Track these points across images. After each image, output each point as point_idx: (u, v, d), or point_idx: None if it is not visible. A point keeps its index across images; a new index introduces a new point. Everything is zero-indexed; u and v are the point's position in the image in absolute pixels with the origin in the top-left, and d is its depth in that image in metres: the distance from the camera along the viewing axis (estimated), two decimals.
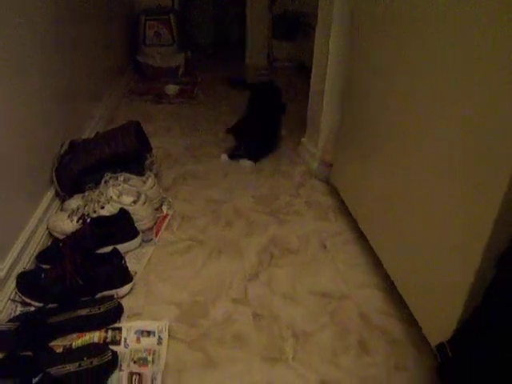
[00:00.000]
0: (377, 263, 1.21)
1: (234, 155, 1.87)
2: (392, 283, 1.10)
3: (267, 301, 1.13)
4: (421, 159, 0.95)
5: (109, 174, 1.40)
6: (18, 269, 1.12)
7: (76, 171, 1.41)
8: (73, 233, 1.22)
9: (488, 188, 0.73)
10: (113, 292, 1.10)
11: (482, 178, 0.75)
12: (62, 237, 1.26)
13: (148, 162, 1.63)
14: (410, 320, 1.03)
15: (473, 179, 0.77)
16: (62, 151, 1.48)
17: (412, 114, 0.99)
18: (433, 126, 0.90)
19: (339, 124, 1.50)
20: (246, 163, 1.82)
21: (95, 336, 0.99)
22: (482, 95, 0.75)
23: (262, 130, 1.87)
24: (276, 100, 2.01)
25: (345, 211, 1.46)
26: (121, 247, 1.19)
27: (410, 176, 1.00)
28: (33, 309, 1.05)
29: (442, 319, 0.87)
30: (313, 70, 1.73)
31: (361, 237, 1.33)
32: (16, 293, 1.07)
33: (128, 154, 1.49)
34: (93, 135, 1.67)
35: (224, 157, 1.87)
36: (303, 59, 2.99)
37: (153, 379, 0.89)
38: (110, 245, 1.18)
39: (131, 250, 1.28)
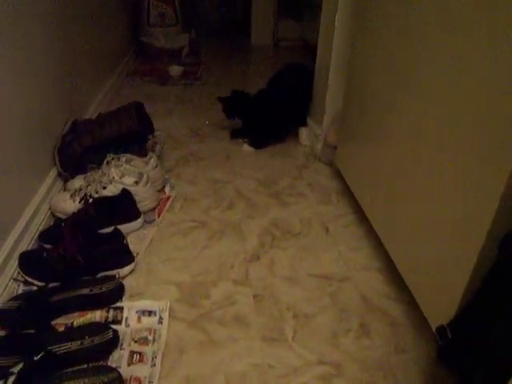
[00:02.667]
0: (379, 246, 1.20)
1: (235, 135, 1.86)
2: (394, 266, 1.10)
3: (268, 282, 1.13)
4: (426, 140, 0.94)
5: (111, 155, 1.39)
6: (21, 248, 1.12)
7: (78, 151, 1.41)
8: (75, 213, 1.22)
9: (492, 169, 0.72)
10: (114, 272, 1.10)
11: (487, 157, 0.73)
12: (64, 217, 1.27)
13: (150, 143, 1.62)
14: (411, 303, 1.03)
15: (477, 159, 0.76)
16: (65, 131, 1.48)
17: (417, 93, 0.97)
18: (438, 105, 0.88)
19: (344, 105, 1.47)
20: (248, 149, 1.79)
21: (97, 315, 1.00)
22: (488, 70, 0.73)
23: (271, 119, 1.81)
24: (302, 86, 1.83)
25: (348, 194, 1.45)
26: (123, 228, 1.19)
27: (414, 158, 0.99)
28: (35, 288, 1.06)
29: (443, 302, 0.87)
30: (318, 46, 1.70)
31: (363, 220, 1.32)
32: (18, 272, 1.08)
33: (130, 134, 1.48)
34: (95, 116, 1.65)
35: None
36: (309, 39, 2.94)
37: (153, 358, 0.90)
38: (112, 225, 1.18)
39: (133, 231, 1.28)
